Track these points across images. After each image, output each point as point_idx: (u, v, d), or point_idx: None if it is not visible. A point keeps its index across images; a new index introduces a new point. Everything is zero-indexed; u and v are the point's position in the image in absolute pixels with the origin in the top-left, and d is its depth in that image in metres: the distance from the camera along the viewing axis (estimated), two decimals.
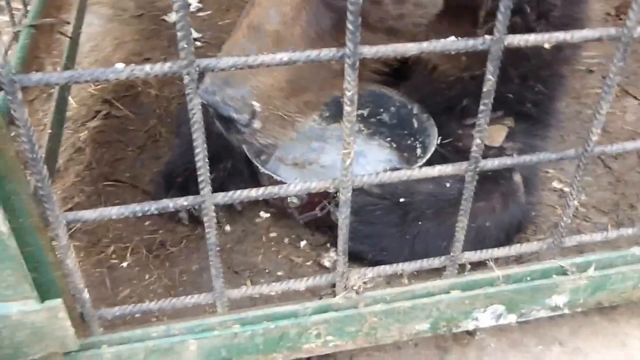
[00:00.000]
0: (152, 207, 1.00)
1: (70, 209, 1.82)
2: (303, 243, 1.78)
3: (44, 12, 2.03)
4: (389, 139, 2.12)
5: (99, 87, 2.38)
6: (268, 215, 1.86)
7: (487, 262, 1.31)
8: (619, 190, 2.02)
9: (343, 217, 1.10)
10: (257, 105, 1.47)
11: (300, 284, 1.18)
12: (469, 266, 1.32)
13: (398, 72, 2.06)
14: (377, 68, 1.80)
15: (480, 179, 1.75)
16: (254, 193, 1.05)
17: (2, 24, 2.33)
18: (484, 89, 1.02)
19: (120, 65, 0.84)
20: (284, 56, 0.90)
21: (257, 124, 1.48)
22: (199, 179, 1.00)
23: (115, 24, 2.89)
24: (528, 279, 1.31)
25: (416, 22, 1.63)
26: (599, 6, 3.18)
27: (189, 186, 1.80)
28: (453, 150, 1.89)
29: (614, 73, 1.06)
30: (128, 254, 1.69)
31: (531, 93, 1.93)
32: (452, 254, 1.23)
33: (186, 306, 1.15)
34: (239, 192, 1.04)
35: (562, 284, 1.31)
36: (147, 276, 1.64)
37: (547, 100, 1.99)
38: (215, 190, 1.79)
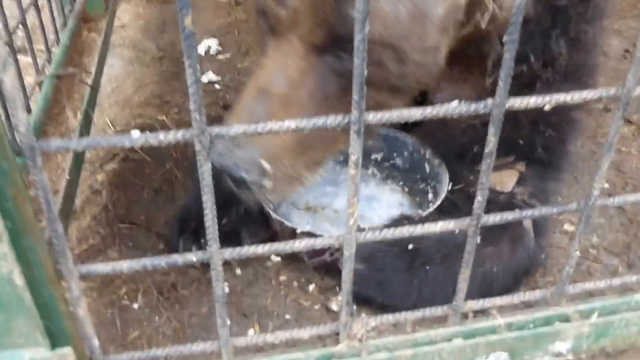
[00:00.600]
0: (162, 261, 1.07)
1: (85, 251, 1.90)
2: (312, 287, 1.83)
3: (67, 58, 2.13)
4: (401, 183, 2.18)
5: (118, 128, 2.48)
6: (279, 259, 1.92)
7: (490, 310, 1.34)
8: (631, 232, 2.05)
9: (347, 271, 1.15)
10: (266, 165, 1.54)
11: (305, 333, 1.23)
12: (471, 314, 1.36)
13: None
14: None
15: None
16: (260, 249, 1.11)
17: (25, 65, 2.44)
18: (486, 150, 1.08)
19: (135, 134, 0.91)
20: (291, 124, 0.97)
21: (267, 183, 1.55)
22: (208, 236, 1.06)
23: (137, 66, 3.01)
24: (531, 326, 1.35)
25: (419, 80, 1.72)
26: (617, 42, 3.24)
27: (202, 230, 1.86)
28: (464, 196, 1.94)
29: (614, 132, 1.11)
30: (139, 296, 1.76)
31: (542, 138, 1.99)
32: (454, 303, 1.28)
33: (192, 353, 1.20)
34: (246, 248, 1.10)
35: (565, 331, 1.35)
36: (157, 318, 1.70)
37: (558, 144, 2.04)
38: (227, 234, 1.89)
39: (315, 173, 1.71)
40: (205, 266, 1.83)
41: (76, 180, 1.89)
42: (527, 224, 1.85)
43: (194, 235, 1.87)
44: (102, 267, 1.03)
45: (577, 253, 1.25)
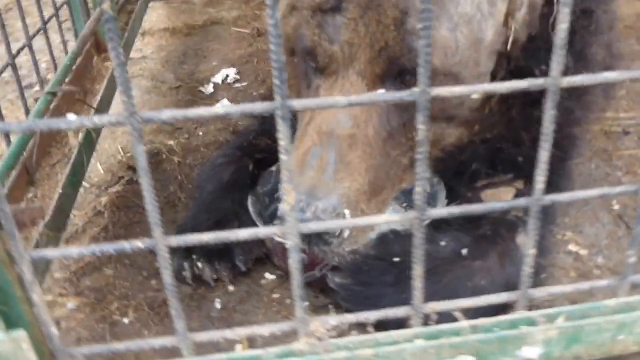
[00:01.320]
0: (110, 248, 1.18)
1: (82, 268, 2.05)
2: (305, 304, 1.92)
3: (66, 78, 2.31)
4: (405, 204, 2.27)
5: (128, 154, 2.66)
6: (274, 277, 2.02)
7: (454, 313, 1.41)
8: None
9: (294, 262, 1.25)
10: (347, 213, 1.61)
11: (264, 330, 1.33)
12: (435, 316, 1.43)
13: None
14: None
15: (478, 239, 1.89)
16: (206, 237, 1.22)
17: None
18: (418, 138, 1.16)
19: (72, 117, 1.03)
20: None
21: (347, 233, 1.63)
22: (151, 222, 1.18)
23: (154, 95, 3.22)
24: (496, 329, 1.40)
25: (471, 107, 1.86)
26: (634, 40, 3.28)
27: (194, 247, 2.00)
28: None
29: (548, 122, 1.20)
30: (131, 311, 1.88)
31: None
32: (412, 303, 1.36)
33: (153, 348, 1.31)
34: (191, 236, 1.21)
35: (531, 335, 1.40)
36: (146, 332, 1.82)
37: (558, 162, 2.10)
38: (220, 252, 2.00)
39: (383, 213, 1.77)
40: (197, 282, 1.98)
41: (71, 197, 2.04)
42: (521, 240, 1.91)
43: (187, 251, 1.99)
44: (52, 252, 1.15)
45: (532, 252, 1.31)
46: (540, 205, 1.31)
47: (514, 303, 1.42)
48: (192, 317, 1.86)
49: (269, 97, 2.65)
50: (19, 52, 1.99)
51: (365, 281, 1.81)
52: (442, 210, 1.27)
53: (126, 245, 1.19)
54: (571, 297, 1.85)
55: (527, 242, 1.33)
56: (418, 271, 1.31)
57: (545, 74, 1.96)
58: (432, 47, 1.64)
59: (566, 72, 1.99)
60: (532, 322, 1.41)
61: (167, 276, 1.23)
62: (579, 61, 2.00)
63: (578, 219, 2.26)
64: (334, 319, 1.36)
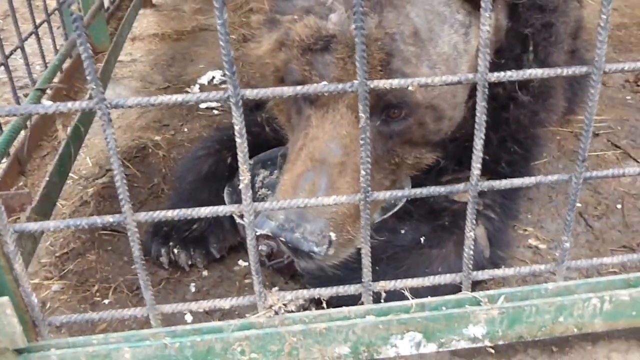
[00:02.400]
0: (83, 222, 1.30)
1: (66, 253, 2.17)
2: (275, 289, 2.04)
3: (54, 77, 2.44)
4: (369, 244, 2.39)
5: (117, 149, 2.77)
6: (246, 263, 2.14)
7: (403, 290, 1.52)
8: (595, 248, 2.19)
9: (250, 239, 1.36)
10: (333, 235, 1.74)
11: (226, 303, 1.44)
12: (384, 294, 1.54)
13: None
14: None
15: (435, 228, 2.00)
16: (170, 214, 1.33)
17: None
18: (360, 124, 1.28)
19: (47, 103, 1.16)
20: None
21: (331, 251, 1.75)
22: (120, 198, 1.29)
23: (142, 95, 3.34)
24: (442, 308, 1.52)
25: (447, 132, 2.02)
26: (619, 74, 3.41)
27: (172, 234, 2.12)
28: (421, 205, 2.13)
29: (479, 115, 1.32)
30: (110, 293, 2.00)
31: (507, 154, 2.18)
32: (363, 281, 1.47)
33: (124, 318, 1.43)
34: (157, 212, 1.33)
35: (475, 314, 1.51)
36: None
37: (521, 160, 2.22)
38: (196, 239, 2.12)
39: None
40: (173, 266, 2.09)
41: (58, 185, 2.15)
42: (478, 232, 2.02)
43: (165, 238, 2.11)
44: (32, 225, 1.27)
45: (472, 234, 1.42)
46: (477, 191, 1.42)
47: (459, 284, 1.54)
48: (167, 299, 1.97)
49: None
50: (11, 53, 2.11)
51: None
52: (385, 193, 1.38)
53: (97, 219, 1.31)
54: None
55: (467, 225, 1.45)
56: (365, 250, 1.42)
57: (512, 82, 2.09)
58: None
59: (533, 80, 2.13)
60: (475, 302, 1.53)
61: (136, 250, 1.35)
62: (543, 68, 2.12)
63: (540, 215, 2.37)
64: (290, 294, 1.48)
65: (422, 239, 1.94)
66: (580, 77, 2.72)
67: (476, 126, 1.36)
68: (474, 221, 1.44)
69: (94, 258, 2.15)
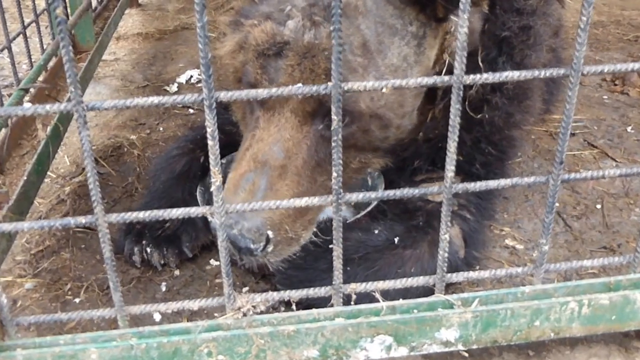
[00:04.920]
0: (56, 223, 1.26)
1: (41, 251, 2.12)
2: (245, 289, 2.00)
3: (38, 76, 2.39)
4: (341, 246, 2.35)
5: (94, 147, 2.72)
6: (218, 263, 2.09)
7: (374, 293, 1.48)
8: (574, 248, 2.17)
9: (221, 241, 1.32)
10: (270, 233, 1.74)
11: (194, 304, 1.40)
12: (354, 296, 1.49)
13: None
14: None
15: (409, 228, 1.97)
16: (142, 215, 1.29)
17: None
18: (333, 127, 1.24)
19: (27, 105, 1.12)
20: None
21: (270, 248, 1.75)
22: (92, 200, 1.24)
23: (121, 93, 3.28)
24: (414, 311, 1.48)
25: (397, 139, 1.99)
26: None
27: (145, 232, 2.07)
28: (395, 204, 2.09)
29: (453, 116, 1.28)
30: (82, 292, 1.94)
31: (482, 155, 2.15)
32: (334, 283, 1.43)
33: (92, 318, 1.38)
34: (129, 213, 1.29)
35: (447, 318, 1.48)
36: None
37: (496, 162, 2.19)
38: (168, 237, 2.08)
39: (310, 231, 1.89)
40: (145, 265, 2.04)
41: (35, 184, 2.10)
42: (453, 232, 1.99)
43: (137, 236, 2.06)
44: (6, 226, 1.26)
45: (447, 236, 1.39)
46: (452, 193, 1.38)
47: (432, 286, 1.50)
48: (137, 298, 1.92)
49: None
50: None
51: (301, 265, 1.89)
52: (358, 194, 1.34)
53: (71, 220, 1.27)
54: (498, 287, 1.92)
55: (441, 226, 1.41)
56: (337, 252, 1.38)
57: (485, 85, 2.06)
58: (359, 92, 1.79)
59: (507, 82, 2.09)
60: (448, 305, 1.49)
61: (107, 251, 1.31)
62: (519, 69, 2.09)
63: (517, 215, 2.35)
64: (259, 296, 1.44)
65: (396, 239, 1.90)
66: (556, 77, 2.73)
67: (450, 128, 1.32)
68: (449, 223, 1.41)
69: (67, 256, 2.10)
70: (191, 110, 3.07)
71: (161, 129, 2.91)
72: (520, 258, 2.14)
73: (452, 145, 1.33)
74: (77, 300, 1.93)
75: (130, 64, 3.63)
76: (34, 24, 2.58)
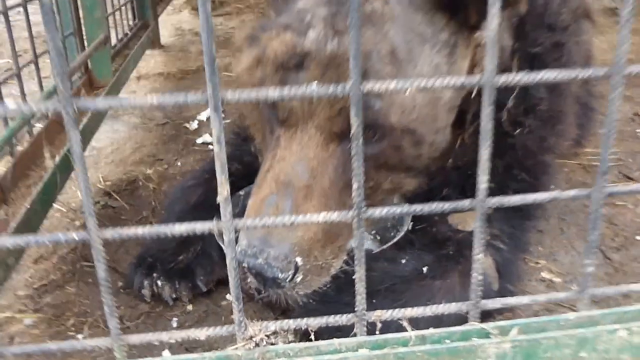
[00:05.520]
0: (45, 239, 1.12)
1: (44, 285, 1.98)
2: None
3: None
4: (374, 232, 2.20)
5: (107, 182, 2.61)
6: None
7: (401, 321, 1.32)
8: (615, 281, 1.98)
9: (229, 259, 1.17)
10: (299, 260, 1.57)
11: (201, 333, 1.24)
12: (379, 325, 1.33)
13: None
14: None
15: (438, 257, 1.80)
16: (140, 231, 1.15)
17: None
18: (352, 131, 1.11)
19: (11, 104, 1.00)
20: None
21: (299, 278, 1.58)
22: (85, 214, 1.11)
23: (140, 130, 3.19)
24: (446, 341, 1.31)
25: (431, 158, 1.80)
26: (627, 107, 3.23)
27: (156, 265, 1.93)
28: (423, 235, 1.93)
29: (485, 120, 1.13)
30: (86, 327, 1.80)
31: (514, 182, 1.99)
32: (357, 310, 1.27)
33: (85, 349, 1.23)
34: (126, 228, 1.15)
35: (483, 348, 1.30)
36: (98, 348, 1.72)
37: (530, 189, 2.02)
38: (182, 271, 1.93)
39: (340, 259, 1.72)
40: (155, 300, 1.89)
41: (40, 213, 1.98)
42: (485, 263, 1.82)
43: (148, 269, 1.92)
44: None
45: (481, 256, 1.23)
46: (486, 207, 1.23)
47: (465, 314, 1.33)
48: (145, 333, 1.75)
49: (238, 128, 2.60)
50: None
51: (323, 299, 1.73)
52: (381, 209, 1.18)
53: (61, 236, 1.13)
54: None
55: (474, 246, 1.25)
56: (360, 274, 1.22)
57: (517, 107, 1.91)
58: (390, 105, 1.63)
59: (539, 102, 1.95)
60: (484, 335, 1.32)
61: (101, 270, 1.16)
62: (552, 91, 1.95)
63: (552, 248, 2.18)
64: (273, 324, 1.28)
65: (424, 270, 1.74)
66: (588, 109, 2.58)
67: (482, 134, 1.16)
68: (482, 241, 1.24)
69: (73, 290, 1.96)
70: (211, 147, 2.96)
71: (179, 164, 2.79)
72: (558, 292, 1.96)
73: (484, 153, 1.18)
74: (80, 336, 1.78)
75: None
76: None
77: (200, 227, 1.16)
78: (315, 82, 1.36)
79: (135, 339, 1.24)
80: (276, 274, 1.51)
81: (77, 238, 1.14)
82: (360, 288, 1.25)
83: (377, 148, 1.67)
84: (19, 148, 2.15)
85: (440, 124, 1.74)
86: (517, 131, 1.89)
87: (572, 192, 1.26)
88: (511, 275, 1.89)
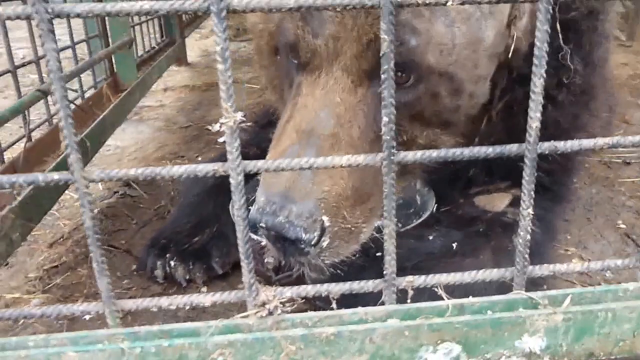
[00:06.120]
0: (20, 179, 0.85)
1: (55, 267, 1.72)
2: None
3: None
4: (395, 219, 1.90)
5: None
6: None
7: (436, 289, 1.02)
8: None
9: (237, 208, 0.90)
10: (326, 219, 1.25)
11: (205, 299, 0.97)
12: (411, 292, 1.04)
13: None
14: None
15: (468, 234, 1.50)
16: (132, 172, 0.87)
17: None
18: (382, 51, 0.84)
19: None
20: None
21: (326, 242, 1.26)
22: (69, 156, 0.84)
23: (163, 132, 2.94)
24: (488, 311, 1.01)
25: (468, 114, 1.49)
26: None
27: (169, 246, 1.66)
28: (450, 215, 1.64)
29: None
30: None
31: (546, 162, 1.69)
32: (386, 276, 0.98)
33: (74, 314, 0.95)
34: (116, 170, 0.87)
35: (532, 320, 1.00)
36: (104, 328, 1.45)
37: (561, 170, 1.73)
38: (197, 252, 1.65)
39: (371, 225, 1.39)
40: (168, 281, 1.61)
41: (52, 192, 1.73)
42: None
43: (162, 250, 1.65)
44: None
45: (530, 210, 0.94)
46: (537, 152, 0.95)
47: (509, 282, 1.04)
48: (156, 316, 1.49)
49: (257, 116, 2.39)
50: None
51: (347, 276, 1.43)
52: (414, 153, 0.90)
53: (39, 176, 0.86)
54: None
55: (523, 199, 0.96)
56: (389, 230, 0.94)
57: (550, 78, 1.62)
58: (427, 42, 1.32)
59: (574, 75, 1.64)
60: (532, 305, 1.02)
61: (88, 218, 0.89)
62: (587, 65, 1.63)
63: (581, 236, 1.88)
64: (289, 290, 1.00)
65: (453, 246, 1.44)
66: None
67: (535, 60, 0.89)
68: (532, 193, 0.96)
69: (84, 272, 1.69)
70: None
71: (200, 159, 2.53)
72: (592, 278, 1.66)
73: (537, 83, 0.90)
74: (87, 317, 1.50)
75: (175, 109, 3.31)
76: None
77: (202, 168, 0.90)
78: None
79: (131, 304, 0.97)
80: (300, 235, 1.19)
81: (57, 177, 0.87)
82: (390, 247, 0.96)
83: (412, 94, 1.36)
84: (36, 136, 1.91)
85: (481, 71, 1.43)
86: (549, 107, 1.60)
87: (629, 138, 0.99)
88: (543, 257, 1.58)
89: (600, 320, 1.02)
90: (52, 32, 0.77)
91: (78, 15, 0.80)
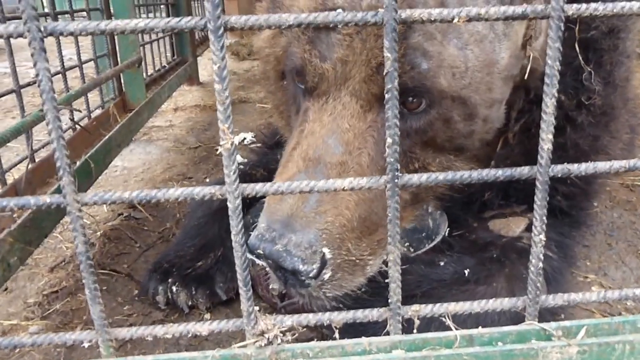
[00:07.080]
0: (11, 202, 0.85)
1: (55, 292, 1.71)
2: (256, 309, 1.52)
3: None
4: (407, 244, 1.89)
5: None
6: (257, 308, 1.62)
7: (443, 318, 1.00)
8: None
9: (234, 234, 0.89)
10: (327, 251, 1.22)
11: (203, 327, 0.95)
12: (417, 322, 1.01)
13: None
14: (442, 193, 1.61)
15: (481, 260, 1.48)
16: (127, 195, 0.87)
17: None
18: (386, 69, 0.82)
19: None
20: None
21: (327, 275, 1.23)
22: (61, 179, 0.84)
23: (172, 153, 2.95)
24: (498, 343, 0.99)
25: (483, 139, 1.47)
26: None
27: (172, 270, 1.64)
28: (463, 239, 1.62)
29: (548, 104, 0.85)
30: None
31: (564, 185, 1.67)
32: (391, 304, 0.96)
33: (66, 343, 0.94)
34: (110, 193, 0.87)
35: (545, 353, 0.98)
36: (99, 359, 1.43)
37: (581, 195, 1.70)
38: (201, 277, 1.63)
39: (378, 257, 1.35)
40: (170, 307, 1.60)
41: (53, 215, 1.73)
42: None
43: (164, 275, 1.64)
44: None
45: (542, 237, 0.92)
46: (549, 175, 0.93)
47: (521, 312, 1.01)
48: (157, 343, 1.47)
49: (265, 136, 2.44)
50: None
51: (356, 304, 1.40)
52: (418, 175, 0.88)
53: (31, 200, 0.86)
54: None
55: (535, 225, 0.94)
56: (394, 256, 0.92)
57: (570, 100, 1.59)
58: (438, 65, 1.30)
59: (594, 95, 1.61)
60: (545, 337, 1.00)
61: (80, 243, 0.88)
62: (607, 85, 1.60)
63: (601, 262, 1.84)
64: (290, 318, 0.98)
65: (465, 273, 1.41)
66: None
67: (546, 79, 0.88)
68: (544, 218, 0.94)
69: (84, 298, 1.67)
70: (241, 166, 2.69)
71: (207, 181, 2.53)
72: (612, 307, 1.62)
73: (549, 103, 0.89)
74: (85, 344, 1.48)
75: (185, 130, 3.32)
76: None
77: (199, 191, 0.88)
78: (341, 10, 1.07)
79: (125, 333, 0.96)
80: (297, 266, 1.16)
81: (49, 200, 0.87)
82: (395, 274, 0.94)
83: (423, 120, 1.34)
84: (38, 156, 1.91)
85: (495, 94, 1.39)
86: (569, 129, 1.57)
87: None
88: (561, 285, 1.55)
89: (617, 353, 1.00)
90: (44, 50, 0.77)
91: (71, 34, 0.80)
